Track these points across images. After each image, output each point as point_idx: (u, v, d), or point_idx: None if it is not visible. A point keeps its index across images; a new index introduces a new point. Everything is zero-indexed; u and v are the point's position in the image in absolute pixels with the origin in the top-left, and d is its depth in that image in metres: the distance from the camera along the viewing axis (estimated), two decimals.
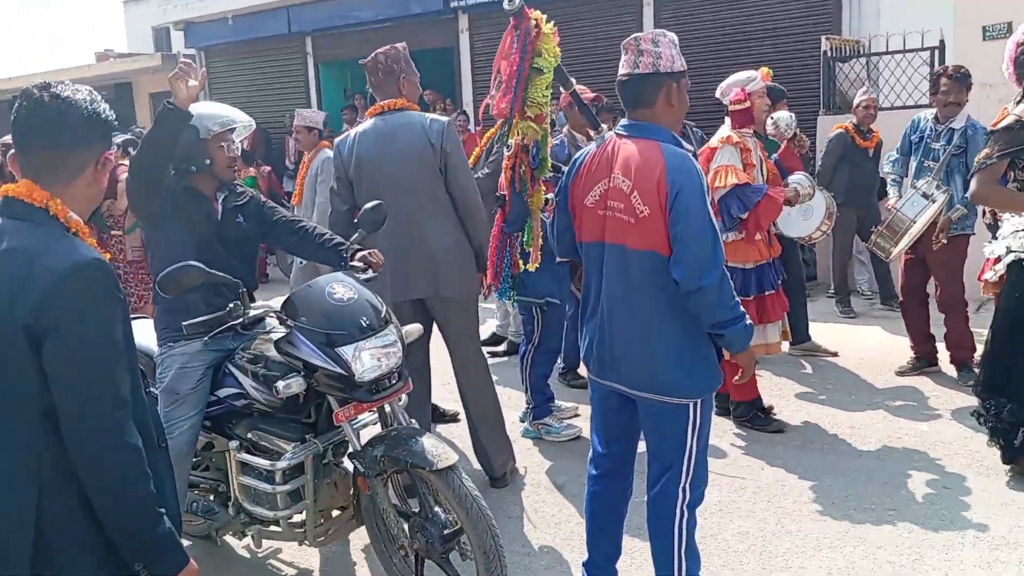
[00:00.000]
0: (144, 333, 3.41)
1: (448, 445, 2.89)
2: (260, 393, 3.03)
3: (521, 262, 3.09)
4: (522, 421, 4.81)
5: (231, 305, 2.93)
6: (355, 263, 3.17)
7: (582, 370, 5.71)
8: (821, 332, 6.29)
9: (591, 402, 3.01)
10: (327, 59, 12.92)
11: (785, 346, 5.78)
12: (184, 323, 2.87)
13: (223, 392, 3.16)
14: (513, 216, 3.03)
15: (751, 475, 4.16)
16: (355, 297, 2.95)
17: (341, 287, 2.97)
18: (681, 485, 2.76)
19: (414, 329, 3.26)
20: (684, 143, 2.74)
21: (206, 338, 3.03)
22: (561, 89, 3.30)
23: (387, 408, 3.06)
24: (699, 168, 2.61)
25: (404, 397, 3.11)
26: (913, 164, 5.33)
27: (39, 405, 1.64)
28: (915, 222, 4.94)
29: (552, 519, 3.81)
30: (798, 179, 4.80)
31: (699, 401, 2.73)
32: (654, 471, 2.83)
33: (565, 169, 2.96)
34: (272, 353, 3.00)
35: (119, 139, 7.92)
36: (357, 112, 11.36)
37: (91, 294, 1.66)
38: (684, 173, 2.55)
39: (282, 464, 3.00)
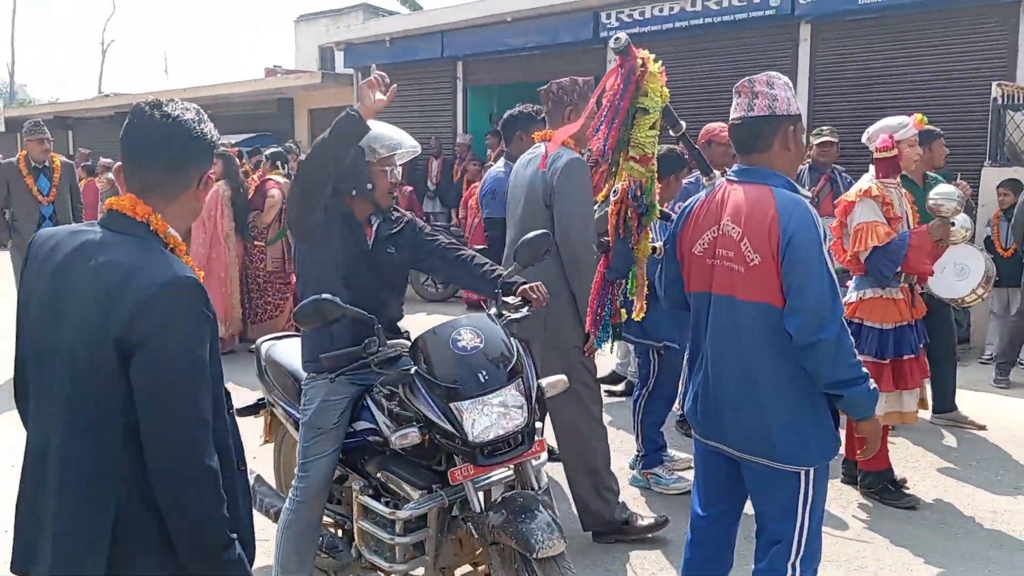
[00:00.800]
0: (293, 354, 3.42)
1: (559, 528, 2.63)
2: (392, 433, 2.87)
3: (624, 311, 2.95)
4: (632, 468, 4.65)
5: (366, 341, 2.77)
6: (508, 299, 2.97)
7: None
8: (970, 402, 5.81)
9: (694, 460, 2.85)
10: (476, 83, 13.18)
11: (927, 414, 5.38)
12: (322, 355, 2.81)
13: (359, 425, 3.05)
14: (616, 263, 2.89)
15: (873, 554, 3.84)
16: (479, 346, 2.75)
17: (468, 333, 2.78)
18: (791, 562, 2.56)
19: (557, 381, 3.00)
20: (801, 189, 2.57)
21: (332, 376, 2.86)
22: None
23: (522, 467, 2.81)
24: (815, 214, 2.44)
25: (543, 456, 2.85)
26: None
27: (123, 420, 1.66)
28: None
29: None
30: (942, 191, 4.10)
31: (812, 470, 2.53)
32: (761, 544, 2.65)
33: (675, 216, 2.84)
34: (412, 389, 2.85)
35: (268, 151, 8.31)
36: (500, 137, 11.49)
37: (180, 311, 1.67)
38: (797, 219, 2.39)
39: (403, 514, 2.81)
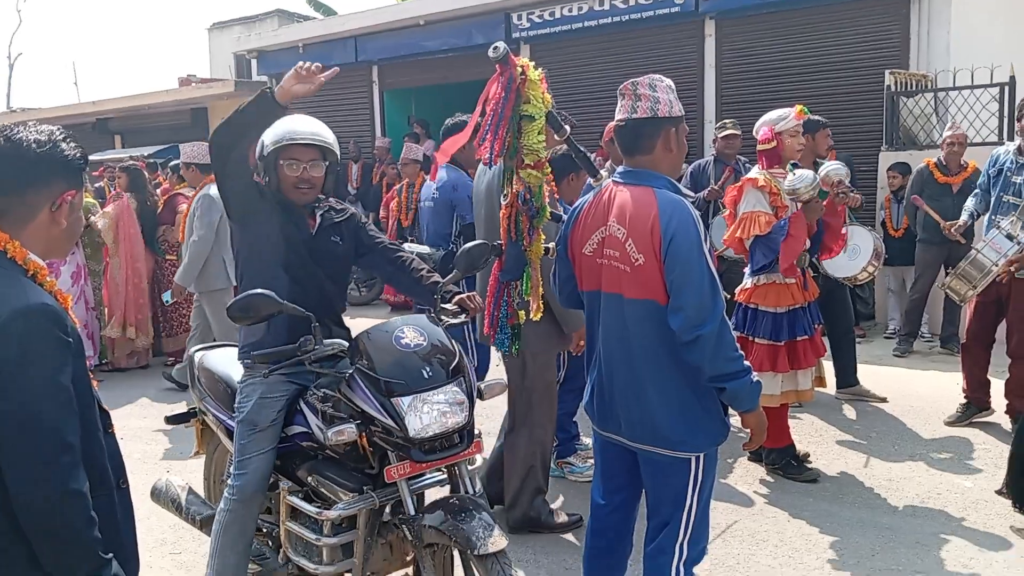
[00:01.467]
0: (226, 362, 3.41)
1: (501, 528, 2.63)
2: (324, 435, 2.82)
3: (522, 313, 2.98)
4: None
5: (301, 339, 2.72)
6: (447, 306, 2.96)
7: None
8: (873, 375, 6.08)
9: (593, 451, 2.95)
10: (392, 87, 13.17)
11: (831, 391, 5.62)
12: (254, 352, 2.79)
13: (292, 430, 3.00)
14: (508, 265, 2.92)
15: (774, 527, 4.01)
16: (423, 344, 2.73)
17: (411, 331, 2.76)
18: (679, 542, 2.67)
19: (496, 385, 3.00)
20: (683, 190, 2.68)
21: (266, 373, 2.86)
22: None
23: (457, 470, 2.79)
24: (695, 215, 2.54)
25: (478, 459, 2.87)
26: (992, 199, 5.11)
27: None
28: (996, 265, 4.67)
29: (563, 565, 3.73)
30: (797, 176, 4.25)
31: (701, 455, 2.64)
32: (652, 526, 2.75)
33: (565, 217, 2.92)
34: (346, 391, 2.81)
35: (172, 163, 8.19)
36: (419, 139, 11.51)
37: (33, 338, 1.65)
38: (677, 219, 2.49)
39: (331, 514, 2.75)
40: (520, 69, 2.64)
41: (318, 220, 3.07)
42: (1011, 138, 6.71)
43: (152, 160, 11.03)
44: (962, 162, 6.77)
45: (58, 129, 1.83)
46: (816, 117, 5.25)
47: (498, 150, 2.67)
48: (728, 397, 2.59)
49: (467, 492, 2.76)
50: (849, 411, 5.64)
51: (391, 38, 12.58)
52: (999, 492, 4.17)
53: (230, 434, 3.19)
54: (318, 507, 2.87)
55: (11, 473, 1.63)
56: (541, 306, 2.96)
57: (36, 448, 1.63)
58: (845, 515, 4.10)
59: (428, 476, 2.86)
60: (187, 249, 6.20)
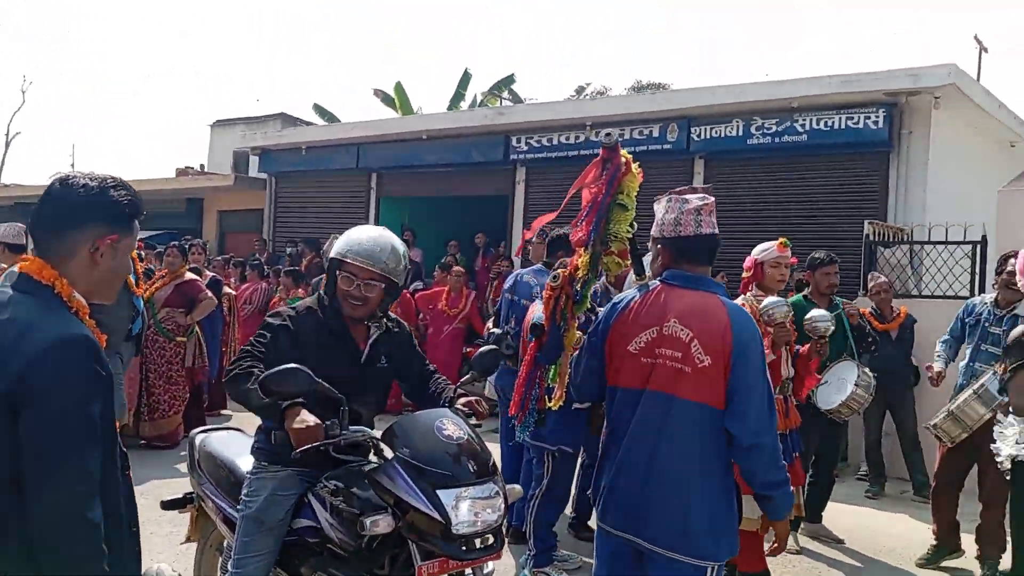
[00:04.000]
0: (231, 447, 3.34)
1: None
2: (335, 531, 2.72)
3: (546, 398, 3.00)
4: (523, 567, 4.72)
5: (328, 423, 2.62)
6: (458, 407, 2.92)
7: (593, 522, 5.63)
8: (844, 514, 6.12)
9: (597, 556, 2.88)
10: (389, 194, 13.56)
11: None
12: (274, 431, 2.70)
13: (298, 523, 2.89)
14: (548, 348, 2.92)
15: None
16: (463, 437, 2.67)
17: (451, 424, 2.70)
18: None
19: (515, 488, 2.98)
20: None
21: (296, 453, 2.64)
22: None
23: (469, 572, 2.69)
24: (758, 327, 2.66)
25: (491, 566, 2.76)
26: (968, 349, 5.31)
27: (9, 472, 1.68)
28: (991, 411, 4.73)
29: None
30: (816, 314, 4.57)
31: (717, 566, 2.66)
32: None
33: (600, 311, 2.97)
34: (357, 487, 2.71)
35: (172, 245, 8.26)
36: (409, 245, 11.78)
37: (70, 368, 1.71)
38: (750, 330, 2.61)
39: None
40: (624, 160, 2.76)
41: (370, 340, 3.02)
42: (982, 291, 7.04)
43: (143, 242, 11.16)
44: (893, 309, 7.02)
45: (113, 178, 1.92)
46: (819, 255, 5.53)
47: (588, 232, 2.73)
48: (772, 505, 2.66)
49: None
50: (821, 548, 5.67)
51: (392, 148, 13.06)
52: None
53: (229, 523, 3.11)
54: None
55: (31, 493, 1.67)
56: (563, 395, 2.99)
57: (59, 471, 1.68)
58: None
59: None
60: None
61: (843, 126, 9.25)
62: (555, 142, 11.33)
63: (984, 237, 7.74)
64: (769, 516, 2.71)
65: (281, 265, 11.77)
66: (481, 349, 3.18)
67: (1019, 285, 3.98)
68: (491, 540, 2.61)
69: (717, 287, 2.71)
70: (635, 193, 2.78)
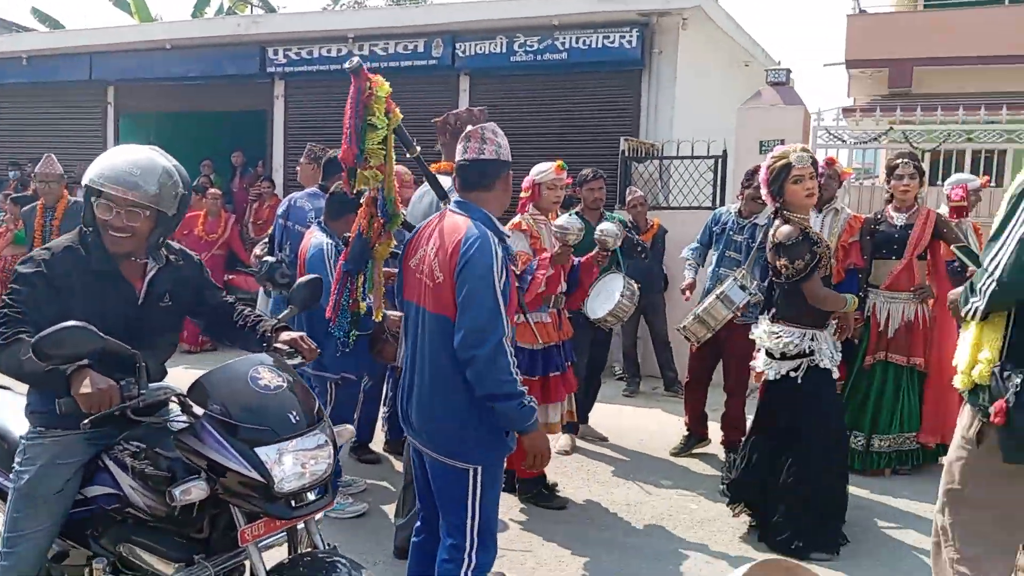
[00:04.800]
0: (3, 409, 2.92)
1: None
2: (142, 496, 2.47)
3: (364, 304, 3.21)
4: None
5: (123, 382, 2.34)
6: (279, 345, 2.72)
7: (374, 445, 5.65)
8: (607, 414, 6.57)
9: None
10: (129, 110, 12.37)
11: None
12: (59, 399, 2.31)
13: (93, 491, 2.59)
14: (353, 256, 3.10)
15: (530, 551, 4.22)
16: (282, 385, 2.48)
17: (268, 372, 2.49)
18: (467, 552, 2.81)
19: (343, 430, 2.82)
20: (501, 227, 2.90)
21: (86, 423, 2.31)
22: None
23: (300, 526, 2.55)
24: (494, 245, 2.72)
25: (321, 515, 2.60)
26: (714, 254, 5.73)
27: None
28: (732, 312, 5.11)
29: None
30: (565, 220, 4.59)
31: (479, 468, 2.78)
32: (443, 532, 2.89)
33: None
34: (162, 447, 2.47)
35: None
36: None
37: None
38: (477, 246, 2.70)
39: None
40: (369, 84, 2.89)
41: (147, 277, 2.69)
42: (723, 203, 7.67)
43: None
44: (648, 221, 7.52)
45: None
46: (586, 171, 5.74)
47: (347, 152, 2.93)
48: (498, 416, 2.75)
49: (318, 547, 2.56)
50: (589, 445, 6.06)
51: (131, 59, 11.84)
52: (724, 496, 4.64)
53: (3, 496, 2.74)
54: None
55: None
56: (383, 307, 3.15)
57: None
58: (592, 537, 4.40)
59: (270, 535, 2.53)
60: None
61: (600, 45, 9.55)
62: (315, 55, 10.81)
63: (725, 152, 8.40)
64: (504, 427, 2.80)
65: (3, 191, 10.45)
66: (300, 280, 3.00)
67: (763, 196, 4.35)
68: (321, 493, 2.48)
69: (479, 212, 2.82)
70: (383, 111, 2.96)
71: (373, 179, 3.01)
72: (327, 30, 10.74)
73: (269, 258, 5.10)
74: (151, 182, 2.57)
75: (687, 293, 5.97)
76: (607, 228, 4.69)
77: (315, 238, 4.50)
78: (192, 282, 2.85)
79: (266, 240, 5.75)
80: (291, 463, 2.37)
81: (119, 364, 2.40)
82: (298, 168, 6.43)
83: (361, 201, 3.12)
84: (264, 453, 2.34)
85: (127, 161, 2.59)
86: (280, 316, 2.91)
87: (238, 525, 2.41)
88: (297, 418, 2.44)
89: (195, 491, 2.35)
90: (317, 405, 2.58)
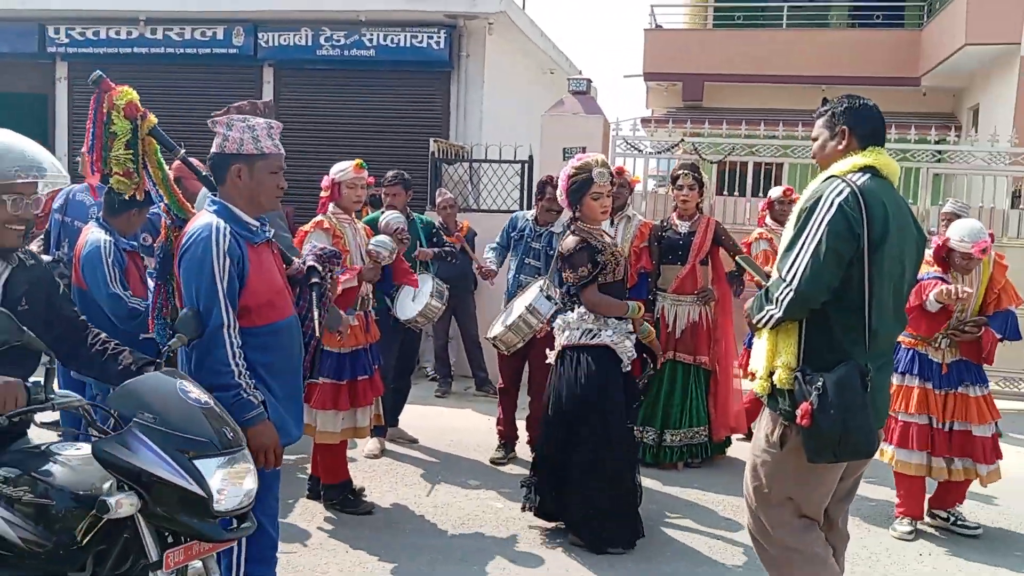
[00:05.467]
0: None
1: None
2: (17, 529, 2.17)
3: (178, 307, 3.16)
4: None
5: (30, 384, 2.13)
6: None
7: None
8: (418, 415, 6.57)
9: None
10: None
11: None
12: None
13: None
14: (158, 266, 3.13)
15: (334, 559, 4.14)
16: (209, 401, 2.35)
17: (193, 386, 2.36)
18: (233, 556, 2.83)
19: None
20: (248, 219, 2.91)
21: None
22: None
23: (197, 564, 2.32)
24: (216, 239, 2.76)
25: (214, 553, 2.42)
26: (513, 260, 5.83)
27: None
28: (541, 322, 5.06)
29: None
30: (380, 241, 4.81)
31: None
32: None
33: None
34: (50, 467, 2.21)
35: None
36: None
37: None
38: (195, 238, 2.77)
39: None
40: (109, 93, 2.96)
41: (1, 279, 2.42)
42: (531, 207, 7.86)
43: None
44: (457, 223, 7.61)
45: None
46: (390, 174, 5.78)
47: (99, 162, 2.96)
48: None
49: None
50: (399, 448, 6.04)
51: None
52: (523, 509, 4.78)
53: None
54: None
55: None
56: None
57: None
58: (399, 542, 4.37)
59: (185, 564, 2.31)
60: None
61: (408, 44, 9.52)
62: (104, 36, 10.06)
63: (531, 157, 8.61)
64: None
65: None
66: (185, 312, 2.76)
67: (560, 201, 4.50)
68: (245, 519, 2.34)
69: (217, 206, 2.89)
70: (122, 117, 2.96)
71: (124, 187, 3.01)
72: (114, 10, 9.97)
73: (46, 257, 4.68)
74: None
75: (492, 280, 6.05)
76: (381, 241, 4.73)
77: (92, 235, 4.17)
78: (44, 285, 2.58)
79: (42, 237, 5.27)
80: (229, 480, 2.24)
81: (16, 364, 2.22)
82: (80, 159, 5.96)
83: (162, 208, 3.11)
84: (204, 466, 2.19)
85: None
86: (172, 342, 2.68)
87: (149, 555, 2.19)
88: (232, 434, 2.34)
89: (125, 503, 2.13)
90: (237, 429, 2.44)
